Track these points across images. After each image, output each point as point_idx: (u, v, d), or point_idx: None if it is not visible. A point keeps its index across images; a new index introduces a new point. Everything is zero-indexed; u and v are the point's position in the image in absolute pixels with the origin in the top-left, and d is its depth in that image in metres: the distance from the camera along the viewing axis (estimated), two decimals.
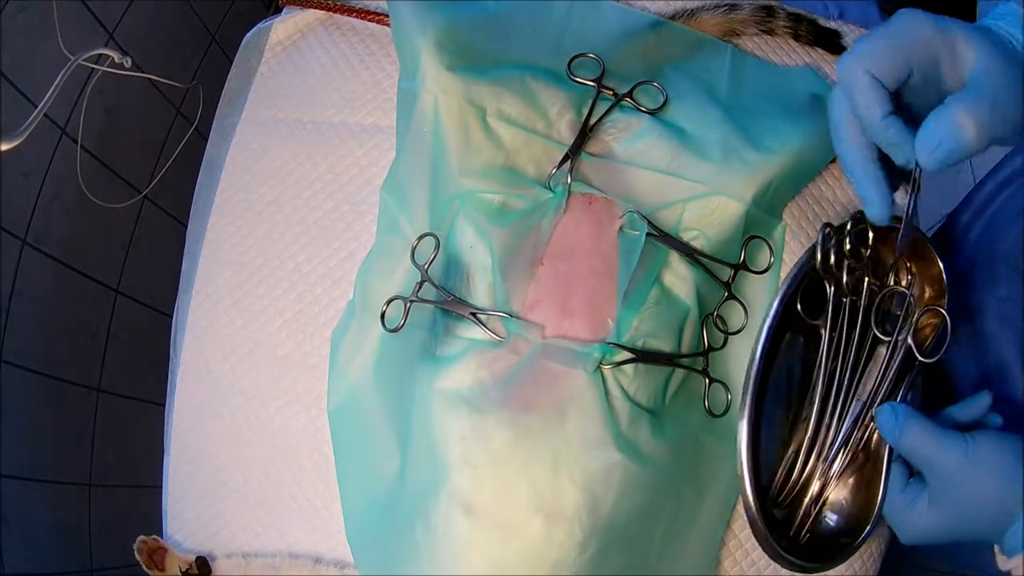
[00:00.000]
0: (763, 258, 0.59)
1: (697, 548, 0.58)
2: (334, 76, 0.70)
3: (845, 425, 0.56)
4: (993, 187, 0.70)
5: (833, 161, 0.64)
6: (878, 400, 0.55)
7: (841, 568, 0.59)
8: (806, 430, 0.56)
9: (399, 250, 0.59)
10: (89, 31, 0.79)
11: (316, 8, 0.72)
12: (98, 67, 0.77)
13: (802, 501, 0.57)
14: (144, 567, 0.63)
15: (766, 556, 0.57)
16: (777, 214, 0.62)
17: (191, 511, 0.65)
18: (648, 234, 0.55)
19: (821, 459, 0.56)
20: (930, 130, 0.42)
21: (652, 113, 0.60)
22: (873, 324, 0.56)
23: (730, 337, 0.59)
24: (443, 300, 0.55)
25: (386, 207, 0.61)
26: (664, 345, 0.55)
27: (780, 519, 0.57)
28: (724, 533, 0.59)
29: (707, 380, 0.57)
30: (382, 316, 0.56)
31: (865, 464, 0.57)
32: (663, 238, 0.56)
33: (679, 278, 0.57)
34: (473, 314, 0.54)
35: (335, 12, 0.72)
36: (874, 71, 0.44)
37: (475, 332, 0.55)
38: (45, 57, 0.71)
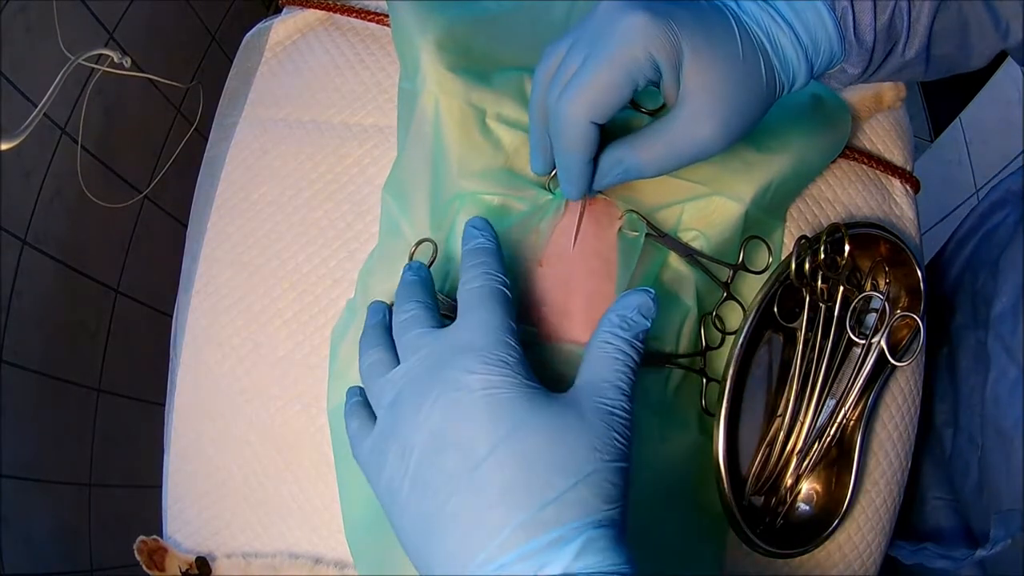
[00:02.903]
0: (762, 258, 0.59)
1: (696, 546, 0.58)
2: (334, 76, 0.70)
3: (819, 421, 0.58)
4: (985, 207, 0.69)
5: (834, 162, 0.64)
6: (851, 398, 0.58)
7: (841, 568, 0.59)
8: (782, 425, 0.58)
9: (400, 252, 0.59)
10: (89, 31, 0.79)
11: (316, 8, 0.72)
12: (98, 67, 0.78)
13: (777, 492, 0.59)
14: (144, 567, 0.63)
15: (767, 558, 0.57)
16: (778, 215, 0.61)
17: (191, 511, 0.65)
18: (647, 235, 0.55)
19: (796, 452, 0.58)
20: (603, 168, 0.48)
21: (652, 114, 0.60)
22: (848, 327, 0.57)
23: (727, 337, 0.59)
24: (443, 302, 0.55)
25: (387, 208, 0.61)
26: (663, 345, 0.56)
27: (758, 507, 0.59)
28: (727, 536, 0.59)
29: (704, 380, 0.57)
30: None
31: (837, 459, 0.59)
32: (662, 239, 0.56)
33: (678, 278, 0.57)
34: None
35: (335, 12, 0.72)
36: (596, 117, 0.44)
37: None
38: (45, 57, 0.71)
